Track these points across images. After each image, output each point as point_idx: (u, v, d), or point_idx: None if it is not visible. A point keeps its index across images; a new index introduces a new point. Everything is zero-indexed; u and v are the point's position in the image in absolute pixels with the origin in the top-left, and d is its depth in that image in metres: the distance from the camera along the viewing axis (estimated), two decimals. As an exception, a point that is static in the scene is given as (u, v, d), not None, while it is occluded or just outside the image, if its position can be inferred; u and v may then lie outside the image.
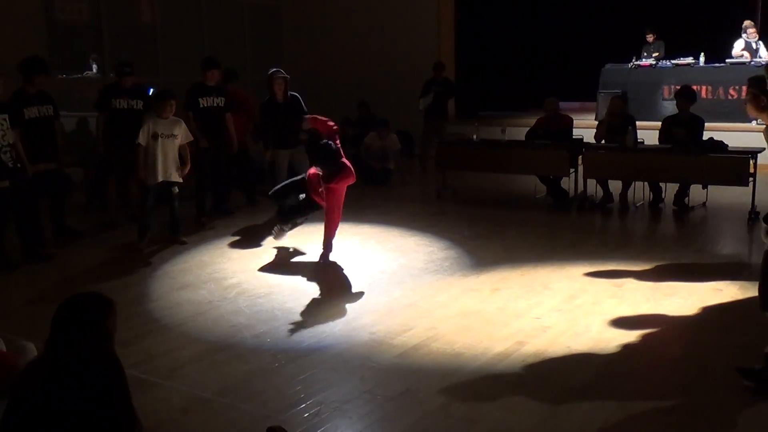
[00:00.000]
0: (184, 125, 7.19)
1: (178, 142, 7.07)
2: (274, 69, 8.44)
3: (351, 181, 6.56)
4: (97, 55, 11.71)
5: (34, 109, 6.87)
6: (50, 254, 6.83)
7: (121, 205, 8.44)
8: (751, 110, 4.04)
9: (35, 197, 6.77)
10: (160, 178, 6.97)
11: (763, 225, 3.82)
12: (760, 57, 11.83)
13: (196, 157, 7.79)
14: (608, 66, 13.05)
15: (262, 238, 7.47)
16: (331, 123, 6.85)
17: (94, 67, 11.75)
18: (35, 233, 6.79)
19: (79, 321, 2.59)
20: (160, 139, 6.95)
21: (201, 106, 8.05)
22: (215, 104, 8.19)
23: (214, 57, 8.58)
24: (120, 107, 7.96)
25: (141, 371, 4.17)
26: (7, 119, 6.33)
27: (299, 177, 7.12)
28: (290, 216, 7.00)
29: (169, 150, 7.03)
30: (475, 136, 9.45)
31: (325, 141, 6.52)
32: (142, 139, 6.93)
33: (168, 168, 7.01)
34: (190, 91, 8.17)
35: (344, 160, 6.58)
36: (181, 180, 7.16)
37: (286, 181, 7.26)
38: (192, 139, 7.35)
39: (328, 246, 6.59)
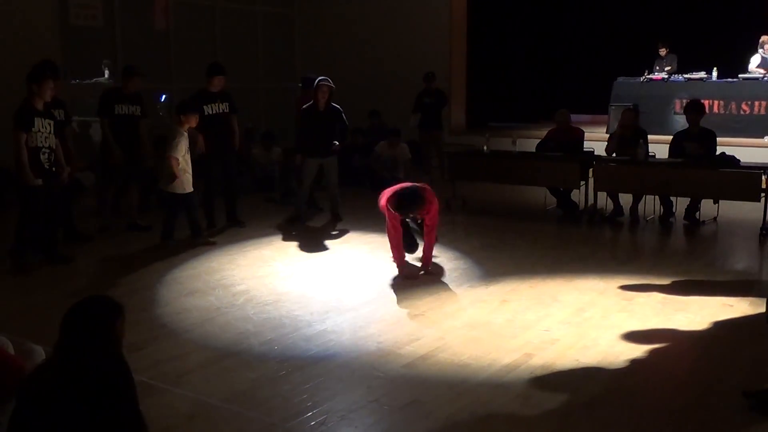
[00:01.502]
0: (201, 137, 7.56)
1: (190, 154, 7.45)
2: (321, 77, 8.45)
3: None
4: (110, 61, 11.78)
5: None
6: (69, 257, 6.85)
7: (119, 212, 8.43)
8: None
9: (58, 201, 6.83)
10: (186, 190, 7.33)
11: None
12: (774, 72, 11.79)
13: (203, 165, 7.86)
14: (620, 79, 13.04)
15: (271, 246, 7.49)
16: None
17: (106, 73, 11.82)
18: (55, 236, 6.88)
19: (87, 325, 2.59)
20: (185, 153, 7.32)
21: (206, 113, 7.99)
22: (221, 110, 8.16)
23: (219, 63, 8.56)
24: (121, 113, 7.89)
25: (148, 377, 4.17)
26: (52, 125, 6.51)
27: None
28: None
29: (188, 162, 7.37)
30: (485, 147, 9.45)
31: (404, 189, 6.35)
32: (178, 152, 7.17)
33: (190, 180, 7.39)
34: (194, 97, 8.09)
35: (425, 193, 6.33)
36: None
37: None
38: (203, 151, 7.75)
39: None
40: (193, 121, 7.35)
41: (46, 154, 6.45)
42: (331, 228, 8.39)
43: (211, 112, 8.10)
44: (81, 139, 11.23)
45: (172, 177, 7.16)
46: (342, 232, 8.16)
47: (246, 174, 10.72)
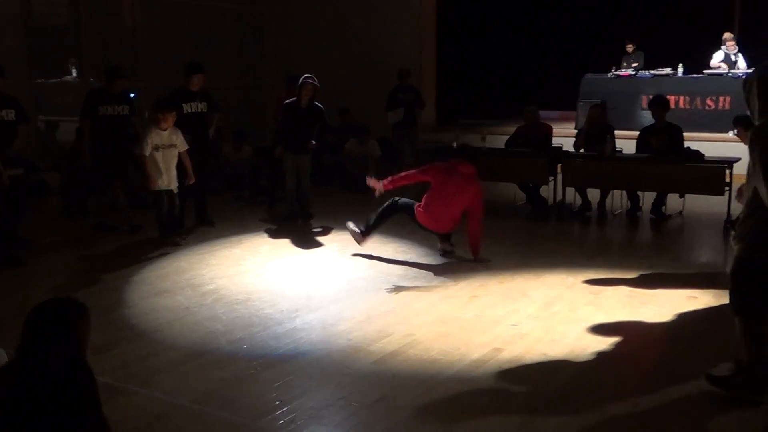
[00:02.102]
0: (180, 134, 7.47)
1: (176, 151, 7.42)
2: (307, 75, 8.43)
3: (420, 213, 6.78)
4: (76, 59, 11.63)
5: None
6: (22, 258, 6.74)
7: (110, 211, 8.26)
8: (743, 140, 4.15)
9: (5, 202, 6.71)
10: (164, 187, 7.32)
11: (732, 231, 3.85)
12: (738, 68, 11.98)
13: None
14: (588, 76, 13.17)
15: (241, 244, 7.46)
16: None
17: (74, 71, 11.68)
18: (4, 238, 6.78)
19: (49, 326, 2.56)
20: (161, 150, 7.27)
21: (185, 111, 7.91)
22: (199, 110, 8.09)
23: (198, 61, 8.49)
24: (107, 114, 7.77)
25: (115, 378, 4.13)
26: None
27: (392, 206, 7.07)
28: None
29: (169, 160, 7.36)
30: (455, 144, 9.47)
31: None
32: (145, 150, 7.17)
33: (171, 177, 7.38)
34: (172, 95, 8.06)
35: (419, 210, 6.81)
36: (177, 186, 7.50)
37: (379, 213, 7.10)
38: (187, 147, 7.58)
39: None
40: (170, 120, 7.29)
41: None
42: (301, 226, 8.37)
43: (189, 111, 7.99)
44: (47, 139, 11.11)
45: (145, 175, 7.17)
46: (312, 231, 8.15)
47: (218, 173, 10.67)
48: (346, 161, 10.82)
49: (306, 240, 7.71)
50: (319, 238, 7.76)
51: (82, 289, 5.87)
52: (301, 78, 8.39)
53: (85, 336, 2.62)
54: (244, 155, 10.90)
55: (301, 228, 8.28)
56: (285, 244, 7.53)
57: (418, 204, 6.83)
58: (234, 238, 7.71)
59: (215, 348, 4.69)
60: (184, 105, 7.94)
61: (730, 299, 3.87)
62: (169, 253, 7.07)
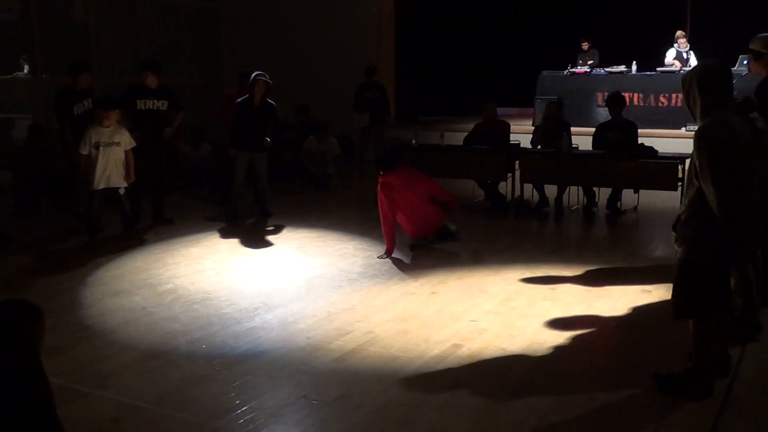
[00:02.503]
0: (126, 132, 7.34)
1: (120, 149, 7.28)
2: (259, 72, 8.39)
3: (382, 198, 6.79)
4: (28, 56, 11.39)
5: None
6: None
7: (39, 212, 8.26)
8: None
9: None
10: (102, 185, 7.20)
11: (674, 233, 3.84)
12: (689, 66, 12.24)
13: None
14: (545, 73, 13.33)
15: (199, 243, 7.39)
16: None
17: (26, 68, 11.43)
18: None
19: (2, 330, 2.50)
20: (101, 148, 7.14)
21: (138, 108, 7.83)
22: (155, 107, 7.93)
23: (154, 59, 8.34)
24: (80, 112, 7.70)
25: (70, 380, 4.06)
26: None
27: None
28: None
29: (110, 158, 7.21)
30: (414, 141, 9.52)
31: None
32: (83, 148, 7.07)
33: (111, 175, 7.25)
34: (127, 91, 7.94)
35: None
36: (125, 185, 7.41)
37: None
38: (135, 144, 7.45)
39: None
40: (112, 117, 7.18)
41: None
42: (260, 224, 8.32)
43: (143, 108, 7.87)
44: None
45: (80, 174, 7.12)
46: (271, 229, 8.11)
47: (174, 171, 10.54)
48: (305, 159, 10.78)
49: (265, 238, 7.66)
50: (279, 237, 7.73)
51: (36, 290, 5.75)
52: (253, 75, 8.34)
53: (40, 339, 2.57)
54: (202, 153, 10.80)
55: (259, 226, 8.23)
56: (244, 242, 7.48)
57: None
58: (192, 237, 7.63)
59: (173, 348, 4.64)
60: (138, 101, 7.83)
61: (672, 303, 3.85)
62: (124, 253, 6.97)
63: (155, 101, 7.96)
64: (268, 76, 8.37)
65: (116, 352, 4.59)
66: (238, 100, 8.51)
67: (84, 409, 3.77)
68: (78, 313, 5.33)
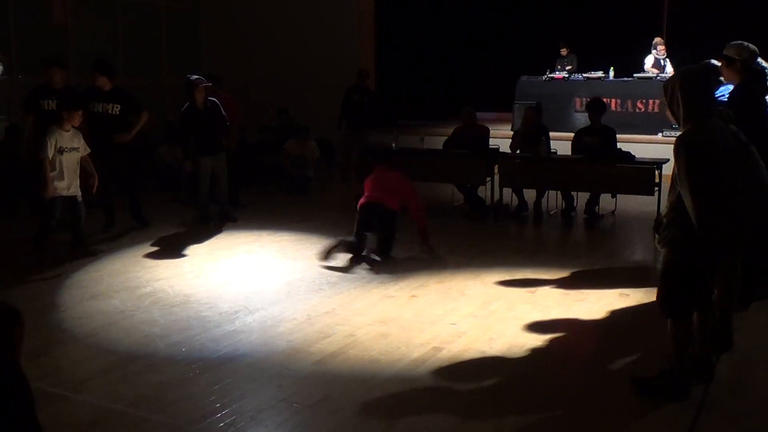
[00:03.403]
0: (81, 137, 6.96)
1: (79, 154, 6.89)
2: (196, 77, 8.31)
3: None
4: (3, 56, 11.24)
5: None
6: None
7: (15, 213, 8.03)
8: (669, 117, 4.12)
9: None
10: (65, 193, 6.78)
11: (656, 235, 3.89)
12: (666, 73, 12.38)
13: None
14: (524, 78, 13.42)
15: (178, 246, 7.34)
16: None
17: (1, 69, 11.27)
18: None
19: (-20, 332, 2.48)
20: (64, 153, 6.76)
21: (91, 110, 7.59)
22: (105, 110, 7.66)
23: (105, 60, 8.08)
24: (49, 109, 7.44)
25: (48, 384, 4.02)
26: None
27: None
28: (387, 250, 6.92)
29: (71, 163, 6.83)
30: (394, 145, 9.54)
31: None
32: (48, 152, 6.63)
33: (72, 182, 6.83)
34: (81, 95, 7.68)
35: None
36: (79, 193, 6.93)
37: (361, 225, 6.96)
38: (89, 150, 7.05)
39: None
40: (77, 119, 6.83)
41: None
42: (239, 227, 8.27)
43: (97, 110, 7.66)
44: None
45: (42, 179, 6.65)
46: (251, 232, 8.08)
47: (144, 171, 10.48)
48: (285, 161, 10.75)
49: (245, 241, 7.63)
50: (258, 239, 7.70)
51: (12, 292, 5.68)
52: (192, 79, 8.25)
53: (19, 342, 2.54)
54: (179, 154, 10.71)
55: (238, 229, 8.19)
56: (223, 245, 7.45)
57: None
58: (171, 240, 7.59)
59: (152, 351, 4.61)
60: (91, 103, 7.62)
61: (659, 302, 3.92)
62: (102, 255, 6.90)
63: (104, 104, 7.68)
64: (205, 80, 8.31)
65: (94, 355, 4.55)
66: (182, 110, 8.36)
67: (61, 413, 3.74)
68: (55, 316, 5.28)
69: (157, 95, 13.35)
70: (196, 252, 7.15)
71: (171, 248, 7.25)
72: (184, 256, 6.98)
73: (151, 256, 6.96)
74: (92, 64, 7.88)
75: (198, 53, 14.66)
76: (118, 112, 7.77)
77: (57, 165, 6.72)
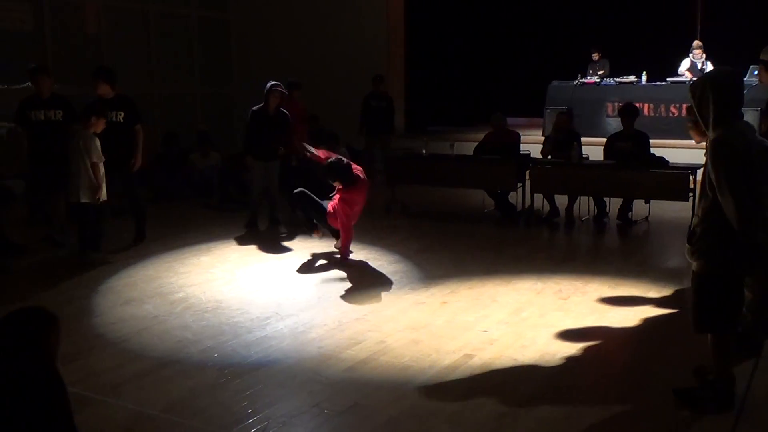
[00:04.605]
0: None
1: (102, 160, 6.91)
2: (275, 83, 8.44)
3: (362, 191, 7.10)
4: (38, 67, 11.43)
5: None
6: (4, 266, 6.61)
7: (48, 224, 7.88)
8: (695, 137, 4.08)
9: None
10: (105, 197, 6.90)
11: (687, 246, 3.79)
12: (701, 76, 12.19)
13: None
14: (554, 83, 13.33)
15: (210, 252, 7.40)
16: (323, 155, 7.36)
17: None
18: None
19: (19, 337, 2.52)
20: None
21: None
22: (110, 118, 7.30)
23: (107, 67, 7.87)
24: (39, 119, 7.31)
25: (83, 388, 4.07)
26: None
27: (320, 202, 7.35)
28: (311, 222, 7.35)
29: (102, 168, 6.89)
30: (424, 151, 9.53)
31: (333, 158, 7.12)
32: (98, 156, 6.71)
33: (102, 186, 6.88)
34: (88, 107, 7.25)
35: (357, 172, 7.11)
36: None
37: (311, 199, 7.39)
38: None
39: (345, 253, 7.07)
40: (100, 125, 6.84)
41: None
42: (271, 233, 8.33)
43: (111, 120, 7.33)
44: (10, 146, 10.90)
45: (95, 185, 6.73)
46: (282, 237, 8.12)
47: (185, 180, 10.61)
48: (315, 168, 10.77)
49: (276, 247, 7.68)
50: (289, 245, 7.74)
51: (47, 298, 5.77)
52: (269, 85, 8.40)
53: (56, 346, 2.58)
54: (211, 161, 10.83)
55: (270, 235, 8.24)
56: (254, 251, 7.50)
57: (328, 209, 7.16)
58: (203, 246, 7.65)
59: (185, 357, 4.65)
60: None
61: (693, 316, 3.81)
62: (136, 262, 6.99)
63: (109, 112, 7.34)
64: (283, 87, 8.49)
65: (128, 360, 4.60)
66: (253, 109, 8.54)
67: (97, 417, 3.78)
68: (90, 321, 5.35)
69: (189, 104, 13.51)
70: (227, 258, 7.20)
71: (203, 254, 7.31)
72: (215, 261, 7.03)
73: (184, 262, 7.02)
74: (94, 71, 7.62)
75: (229, 62, 14.81)
76: (122, 120, 7.51)
77: (99, 169, 6.77)
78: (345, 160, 7.23)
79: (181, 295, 5.95)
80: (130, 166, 7.51)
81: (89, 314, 5.49)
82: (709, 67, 12.37)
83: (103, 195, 6.85)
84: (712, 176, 3.54)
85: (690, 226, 3.85)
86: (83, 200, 6.75)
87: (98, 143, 6.77)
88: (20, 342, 2.49)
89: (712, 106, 3.59)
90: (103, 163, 6.86)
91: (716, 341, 3.78)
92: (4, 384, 2.42)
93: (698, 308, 3.79)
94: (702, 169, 3.75)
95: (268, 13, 14.35)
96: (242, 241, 7.96)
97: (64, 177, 6.95)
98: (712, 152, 3.55)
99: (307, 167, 10.49)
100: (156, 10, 13.28)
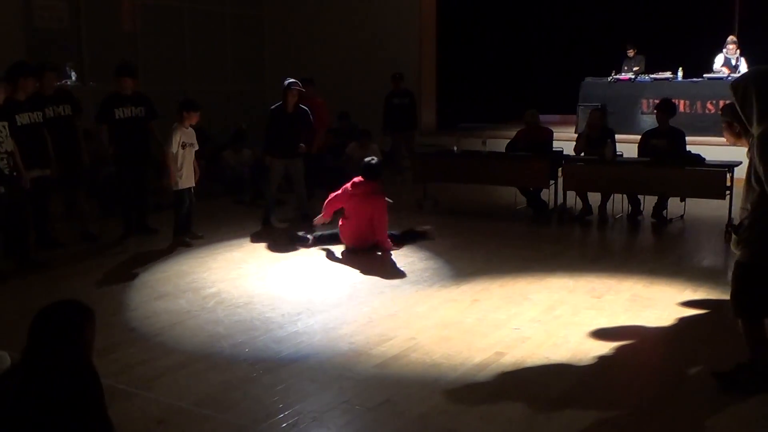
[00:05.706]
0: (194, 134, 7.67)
1: (195, 149, 7.63)
2: (292, 80, 8.47)
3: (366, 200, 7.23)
4: (75, 63, 11.62)
5: (25, 116, 6.69)
6: (43, 262, 6.73)
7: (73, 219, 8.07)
8: (728, 138, 4.13)
9: (28, 205, 6.65)
10: (188, 184, 7.52)
11: (734, 236, 3.87)
12: (738, 73, 11.98)
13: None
14: (588, 79, 13.19)
15: (242, 248, 7.46)
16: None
17: (73, 75, 11.66)
18: (27, 241, 6.73)
19: (56, 329, 2.56)
20: (186, 147, 7.46)
21: (116, 117, 7.56)
22: (133, 114, 7.62)
23: (129, 63, 8.08)
24: (49, 117, 7.23)
25: (117, 381, 4.12)
26: (7, 127, 6.26)
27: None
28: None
29: (190, 158, 7.55)
30: (456, 148, 9.50)
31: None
32: (173, 147, 7.33)
33: (191, 174, 7.57)
34: (104, 101, 7.61)
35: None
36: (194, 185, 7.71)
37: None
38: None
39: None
40: (195, 118, 7.49)
41: (5, 159, 6.20)
42: (301, 229, 8.35)
43: (122, 116, 7.57)
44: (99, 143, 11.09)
45: (168, 174, 7.38)
46: (312, 233, 8.14)
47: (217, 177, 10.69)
48: (347, 165, 10.81)
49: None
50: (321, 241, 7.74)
51: (83, 292, 5.85)
52: (286, 82, 8.41)
53: (91, 339, 2.62)
54: (243, 158, 10.91)
55: (301, 230, 8.26)
56: (286, 247, 7.52)
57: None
58: (235, 242, 7.71)
59: (217, 351, 4.68)
60: (115, 110, 7.57)
61: (732, 303, 3.90)
62: (170, 257, 7.07)
63: (133, 108, 7.62)
64: (300, 85, 8.49)
65: (162, 354, 4.65)
66: (272, 107, 8.56)
67: (130, 410, 3.82)
68: (124, 315, 5.42)
69: (222, 101, 13.61)
70: (259, 254, 7.24)
71: (235, 250, 7.36)
72: (247, 257, 7.08)
73: (216, 257, 7.08)
74: (117, 67, 7.79)
75: (261, 59, 14.89)
76: (143, 115, 7.74)
77: (180, 158, 7.42)
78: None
79: (213, 290, 6.00)
80: (143, 159, 7.87)
81: (124, 308, 5.57)
82: (743, 63, 12.16)
83: (183, 184, 7.51)
84: (760, 170, 3.58)
85: (727, 223, 3.91)
86: (179, 188, 7.48)
87: (180, 136, 7.40)
88: (57, 335, 2.52)
89: (756, 104, 3.63)
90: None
91: (749, 327, 3.85)
92: (40, 376, 2.46)
93: (736, 295, 3.88)
94: (747, 165, 3.81)
95: (301, 12, 14.40)
96: (273, 237, 7.99)
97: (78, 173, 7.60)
98: (760, 145, 3.59)
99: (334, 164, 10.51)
100: (190, 7, 13.40)
